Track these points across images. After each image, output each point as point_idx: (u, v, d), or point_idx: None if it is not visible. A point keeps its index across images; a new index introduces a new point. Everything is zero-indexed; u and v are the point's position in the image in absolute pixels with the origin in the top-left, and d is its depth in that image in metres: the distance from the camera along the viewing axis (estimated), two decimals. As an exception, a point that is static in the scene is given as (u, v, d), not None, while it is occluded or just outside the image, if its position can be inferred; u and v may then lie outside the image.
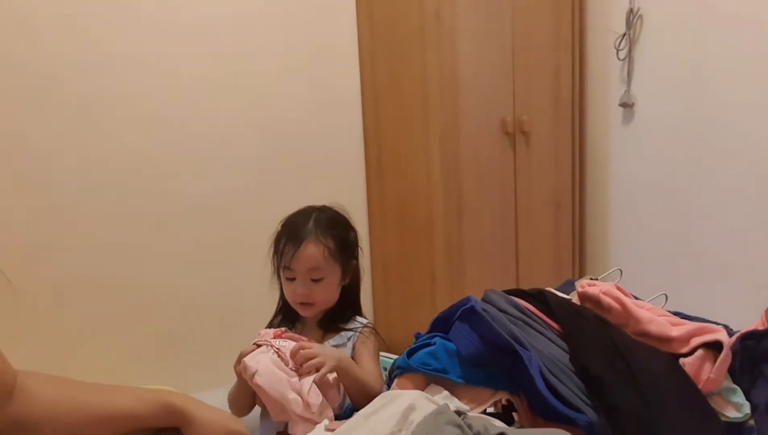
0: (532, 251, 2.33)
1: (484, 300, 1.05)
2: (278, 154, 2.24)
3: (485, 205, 2.22)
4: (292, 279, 1.19)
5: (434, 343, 1.00)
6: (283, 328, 1.16)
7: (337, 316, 1.25)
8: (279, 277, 1.26)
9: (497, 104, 2.22)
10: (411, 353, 1.00)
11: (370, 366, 1.18)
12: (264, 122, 2.20)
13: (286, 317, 1.29)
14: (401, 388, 0.94)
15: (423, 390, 0.93)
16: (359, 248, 1.29)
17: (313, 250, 1.17)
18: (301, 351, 1.05)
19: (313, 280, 1.18)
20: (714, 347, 0.89)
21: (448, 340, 1.00)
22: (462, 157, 2.16)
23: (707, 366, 0.86)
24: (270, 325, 1.30)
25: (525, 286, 1.17)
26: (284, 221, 1.25)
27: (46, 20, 1.86)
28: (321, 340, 1.21)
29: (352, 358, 1.19)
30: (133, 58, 1.97)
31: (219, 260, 2.16)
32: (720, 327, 0.91)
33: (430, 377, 0.96)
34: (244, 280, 2.14)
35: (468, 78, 2.14)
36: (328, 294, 1.21)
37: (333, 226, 1.22)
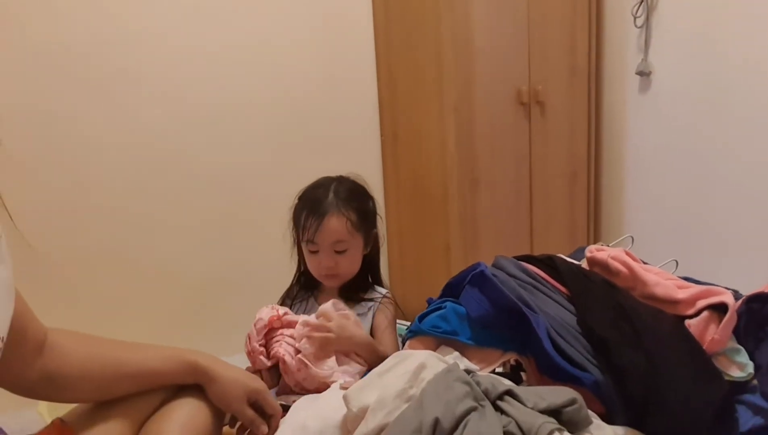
0: (547, 222, 2.34)
1: (494, 265, 1.08)
2: (294, 129, 2.26)
3: (500, 176, 2.23)
4: (316, 252, 1.21)
5: (445, 307, 1.03)
6: (277, 311, 1.16)
7: (358, 286, 1.27)
8: (299, 248, 1.28)
9: (512, 74, 2.21)
10: (422, 318, 1.04)
11: (386, 335, 1.21)
12: (279, 97, 2.21)
13: (305, 286, 1.32)
14: (413, 349, 0.97)
15: (434, 351, 0.96)
16: (378, 216, 1.31)
17: (336, 223, 1.18)
18: (315, 334, 1.09)
19: (337, 252, 1.20)
20: (719, 309, 0.90)
21: (459, 304, 1.02)
22: (476, 128, 2.16)
23: (712, 327, 0.88)
24: (287, 295, 1.33)
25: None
26: (302, 194, 1.26)
27: (70, 4, 1.88)
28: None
29: (371, 327, 1.22)
30: (151, 34, 2.00)
31: (237, 232, 2.21)
32: (725, 290, 0.92)
33: (440, 339, 0.99)
34: (262, 250, 2.19)
35: (482, 48, 2.13)
36: (352, 264, 1.23)
37: (353, 197, 1.23)
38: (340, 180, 1.27)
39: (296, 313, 1.20)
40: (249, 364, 1.17)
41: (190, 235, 2.13)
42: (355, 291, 1.27)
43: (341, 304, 1.17)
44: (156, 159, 2.06)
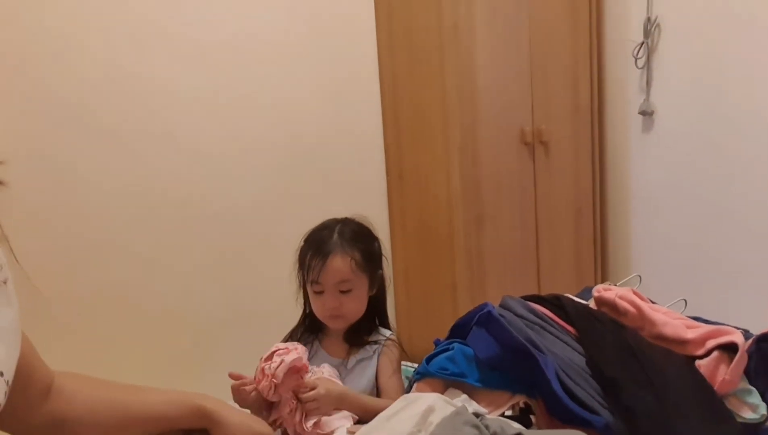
0: (553, 261, 2.34)
1: (501, 306, 1.08)
2: (300, 170, 2.28)
3: (505, 215, 2.24)
4: (321, 292, 1.20)
5: (452, 349, 1.02)
6: (300, 355, 1.13)
7: (362, 328, 1.25)
8: (304, 291, 1.28)
9: (516, 114, 2.25)
10: (430, 359, 1.03)
11: (392, 380, 1.19)
12: (286, 137, 2.25)
13: (309, 329, 1.30)
14: (420, 392, 0.96)
15: (442, 394, 0.95)
16: (384, 257, 1.31)
17: (340, 263, 1.18)
18: (302, 395, 1.07)
19: (342, 292, 1.19)
20: (729, 349, 0.89)
21: (467, 345, 1.02)
22: (481, 168, 2.18)
23: (722, 368, 0.87)
24: (291, 337, 1.32)
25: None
26: (307, 236, 1.26)
27: (75, 49, 1.94)
28: (346, 355, 1.22)
29: (376, 370, 1.21)
30: (155, 76, 2.04)
31: (242, 271, 2.21)
32: (735, 329, 0.91)
33: (448, 381, 0.98)
34: (266, 291, 2.19)
35: (486, 89, 2.17)
36: (357, 305, 1.22)
37: (357, 237, 1.23)
38: (345, 221, 1.27)
39: None
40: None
41: (194, 276, 2.14)
42: (359, 334, 1.25)
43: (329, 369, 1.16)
44: (159, 201, 2.08)
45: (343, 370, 1.19)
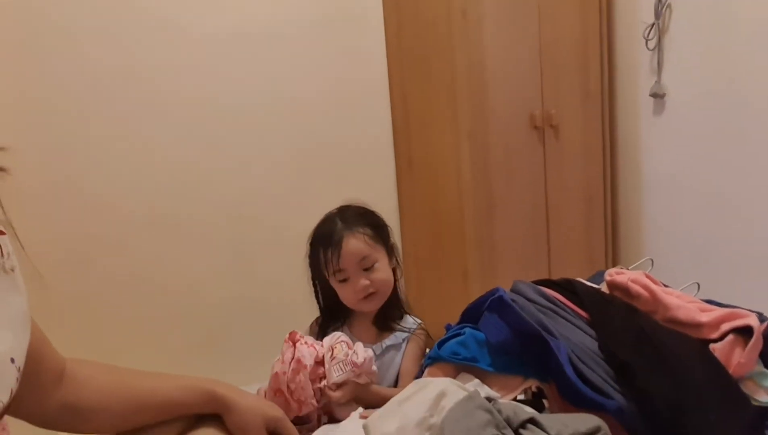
0: (565, 245, 2.33)
1: (512, 290, 1.07)
2: (310, 160, 2.29)
3: (516, 200, 2.23)
4: (346, 280, 1.21)
5: (464, 333, 1.02)
6: (315, 349, 1.12)
7: (390, 313, 1.26)
8: (317, 290, 1.29)
9: (525, 99, 2.23)
10: (441, 344, 1.03)
11: (415, 368, 1.19)
12: (296, 129, 2.25)
13: (331, 318, 1.31)
14: (432, 376, 0.96)
15: (454, 378, 0.95)
16: (389, 228, 1.30)
17: (355, 243, 1.19)
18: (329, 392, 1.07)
19: (366, 270, 1.20)
20: (744, 332, 0.89)
21: (478, 329, 1.01)
22: (491, 153, 2.17)
23: (737, 351, 0.86)
24: (320, 329, 1.31)
25: (557, 279, 1.18)
26: (312, 236, 1.27)
27: (83, 38, 1.94)
28: (375, 340, 1.22)
29: (402, 357, 1.21)
30: (171, 68, 2.05)
31: (253, 260, 2.22)
32: (749, 312, 0.91)
33: (460, 366, 0.98)
34: (277, 279, 2.20)
35: (495, 74, 2.16)
36: (384, 276, 1.22)
37: (360, 216, 1.25)
38: (342, 208, 1.28)
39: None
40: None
41: (206, 263, 2.15)
42: (388, 319, 1.26)
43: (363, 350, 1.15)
44: (169, 194, 2.09)
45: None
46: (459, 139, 2.16)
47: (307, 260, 1.28)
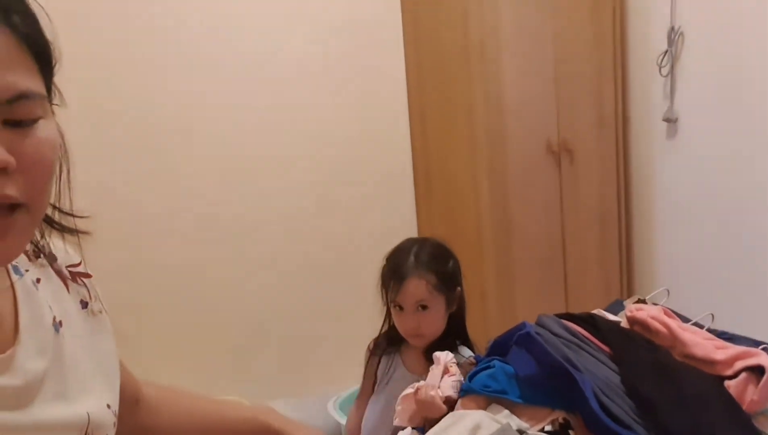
0: (580, 269, 2.39)
1: (537, 324, 1.14)
2: (332, 179, 2.37)
3: (532, 224, 2.30)
4: (401, 309, 1.29)
5: (493, 366, 1.09)
6: None
7: (442, 346, 1.28)
8: (387, 306, 1.36)
9: (542, 125, 2.30)
10: (472, 377, 1.10)
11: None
12: (318, 152, 2.34)
13: (392, 342, 1.38)
14: (465, 408, 1.03)
15: (485, 410, 1.02)
16: (461, 276, 1.37)
17: (416, 286, 1.26)
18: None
19: (421, 308, 1.27)
20: (757, 371, 0.95)
21: (506, 362, 1.08)
22: (508, 178, 2.24)
23: (751, 388, 0.92)
24: (376, 347, 1.40)
25: (574, 302, 1.25)
26: (388, 257, 1.35)
27: (123, 67, 2.04)
28: (425, 370, 1.24)
29: None
30: (199, 98, 2.14)
31: (286, 277, 2.31)
32: (762, 351, 0.97)
33: (491, 398, 1.05)
34: (309, 296, 2.29)
35: (513, 102, 2.23)
36: (435, 323, 1.29)
37: (433, 259, 1.30)
38: (422, 243, 1.35)
39: (384, 368, 1.26)
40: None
41: (226, 282, 2.24)
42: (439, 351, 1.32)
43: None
44: (206, 210, 2.18)
45: None
46: (477, 165, 2.23)
47: (380, 272, 1.35)
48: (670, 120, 2.36)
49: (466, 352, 1.34)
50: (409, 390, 1.09)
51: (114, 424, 0.68)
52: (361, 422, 1.42)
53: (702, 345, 1.01)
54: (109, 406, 0.67)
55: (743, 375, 0.93)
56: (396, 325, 1.33)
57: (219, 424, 0.90)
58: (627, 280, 2.50)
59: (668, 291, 1.45)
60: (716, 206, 2.22)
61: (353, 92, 2.37)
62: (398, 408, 1.11)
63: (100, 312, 0.74)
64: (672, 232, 2.41)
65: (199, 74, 2.14)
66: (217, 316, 2.21)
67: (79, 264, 0.74)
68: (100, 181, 2.00)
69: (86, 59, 1.95)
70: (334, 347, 2.25)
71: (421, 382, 1.11)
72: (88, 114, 1.96)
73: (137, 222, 2.08)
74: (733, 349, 0.99)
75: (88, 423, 0.62)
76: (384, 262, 1.36)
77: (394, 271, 1.29)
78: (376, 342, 1.42)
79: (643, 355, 1.01)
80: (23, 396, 0.57)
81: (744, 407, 0.91)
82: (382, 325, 1.42)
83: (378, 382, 1.41)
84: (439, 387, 1.10)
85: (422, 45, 2.38)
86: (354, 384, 1.56)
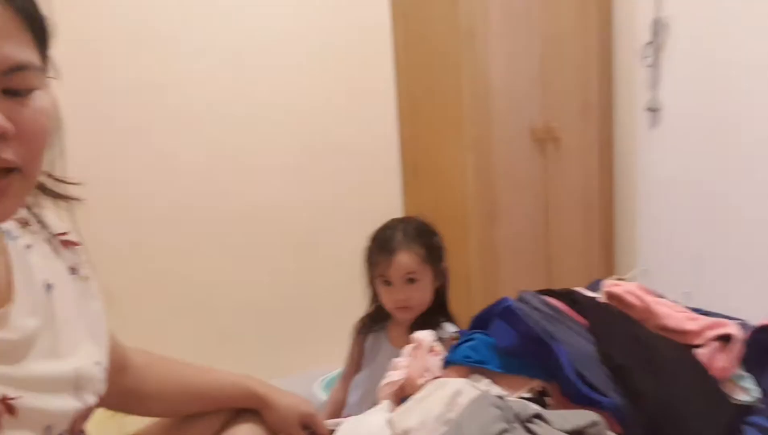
0: (563, 251, 2.43)
1: (518, 299, 1.17)
2: (318, 166, 2.39)
3: (517, 209, 2.33)
4: (389, 284, 1.33)
5: (474, 339, 1.12)
6: None
7: (427, 322, 1.33)
8: (372, 286, 1.40)
9: (527, 112, 2.33)
10: (454, 349, 1.13)
11: None
12: (305, 135, 2.35)
13: (376, 320, 1.43)
14: (447, 377, 1.07)
15: (466, 378, 1.06)
16: (445, 253, 1.42)
17: (406, 259, 1.31)
18: None
19: (409, 281, 1.31)
20: (726, 339, 0.99)
21: (487, 335, 1.12)
22: (494, 163, 2.27)
23: (719, 356, 0.97)
24: (362, 326, 1.44)
25: (557, 284, 1.29)
26: (374, 235, 1.39)
27: (113, 47, 2.04)
28: None
29: None
30: (185, 79, 2.15)
31: (273, 261, 2.33)
32: (732, 322, 1.01)
33: (472, 368, 1.08)
34: (293, 280, 2.31)
35: (499, 90, 2.25)
36: (423, 295, 1.34)
37: (420, 234, 1.36)
38: (407, 220, 1.39)
39: (369, 346, 1.29)
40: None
41: (227, 265, 2.26)
42: (424, 328, 1.33)
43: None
44: (195, 194, 2.20)
45: None
46: (463, 149, 2.25)
47: (365, 253, 1.38)
48: (653, 109, 2.40)
49: (450, 328, 1.37)
50: (395, 377, 1.11)
51: (104, 380, 0.71)
52: (345, 397, 1.46)
53: (674, 317, 1.05)
54: (98, 363, 0.70)
55: (713, 344, 0.98)
56: (383, 300, 1.36)
57: (204, 390, 0.93)
58: (608, 263, 2.54)
59: (646, 270, 1.50)
60: (696, 194, 2.27)
61: (341, 74, 2.38)
62: (381, 395, 1.14)
63: (89, 278, 0.77)
64: (653, 219, 2.46)
65: (185, 55, 2.15)
66: (202, 297, 2.22)
67: (68, 233, 0.77)
68: (89, 159, 2.01)
69: (76, 40, 1.96)
70: (320, 328, 2.27)
71: (401, 369, 1.11)
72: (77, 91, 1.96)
73: (123, 204, 2.09)
74: (704, 319, 1.03)
75: (78, 378, 0.65)
76: (369, 242, 1.39)
77: (382, 247, 1.33)
78: (363, 322, 1.46)
79: (617, 325, 1.05)
80: (19, 350, 0.60)
81: (713, 373, 0.96)
82: (369, 306, 1.45)
83: (365, 357, 1.45)
84: (427, 370, 1.13)
85: (411, 34, 2.40)
86: (340, 365, 1.59)
